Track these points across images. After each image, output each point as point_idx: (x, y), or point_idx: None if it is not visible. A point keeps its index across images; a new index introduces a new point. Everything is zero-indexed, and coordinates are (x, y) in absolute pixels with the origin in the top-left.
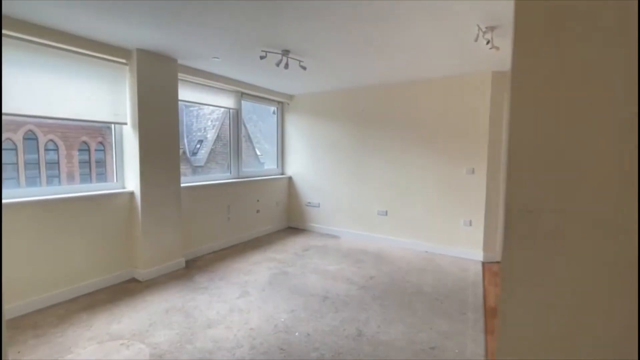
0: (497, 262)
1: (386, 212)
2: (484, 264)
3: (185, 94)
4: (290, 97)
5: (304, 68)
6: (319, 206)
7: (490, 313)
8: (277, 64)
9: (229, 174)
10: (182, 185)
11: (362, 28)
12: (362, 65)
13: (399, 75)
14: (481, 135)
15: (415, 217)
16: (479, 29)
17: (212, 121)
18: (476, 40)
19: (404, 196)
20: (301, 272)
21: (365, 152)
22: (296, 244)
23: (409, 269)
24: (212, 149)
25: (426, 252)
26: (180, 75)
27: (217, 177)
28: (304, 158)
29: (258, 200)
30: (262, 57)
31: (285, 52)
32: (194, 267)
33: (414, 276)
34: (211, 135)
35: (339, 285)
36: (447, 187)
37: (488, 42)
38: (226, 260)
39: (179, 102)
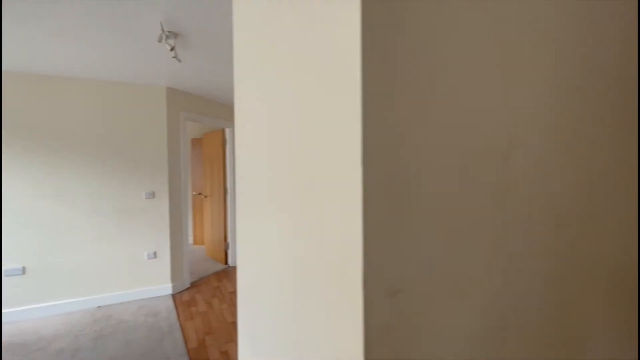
0: (187, 289)
1: (23, 269)
2: (174, 296)
3: None
4: None
5: None
6: None
7: (195, 357)
8: None
9: None
10: None
11: None
12: None
13: (51, 64)
14: (160, 156)
15: (82, 263)
16: (162, 29)
17: None
18: (160, 41)
19: (62, 239)
20: None
21: None
22: None
23: (76, 347)
24: None
25: (99, 307)
26: None
27: None
28: None
29: None
30: None
31: None
32: None
33: (85, 357)
34: None
35: None
36: (125, 216)
37: (172, 49)
38: None
39: None
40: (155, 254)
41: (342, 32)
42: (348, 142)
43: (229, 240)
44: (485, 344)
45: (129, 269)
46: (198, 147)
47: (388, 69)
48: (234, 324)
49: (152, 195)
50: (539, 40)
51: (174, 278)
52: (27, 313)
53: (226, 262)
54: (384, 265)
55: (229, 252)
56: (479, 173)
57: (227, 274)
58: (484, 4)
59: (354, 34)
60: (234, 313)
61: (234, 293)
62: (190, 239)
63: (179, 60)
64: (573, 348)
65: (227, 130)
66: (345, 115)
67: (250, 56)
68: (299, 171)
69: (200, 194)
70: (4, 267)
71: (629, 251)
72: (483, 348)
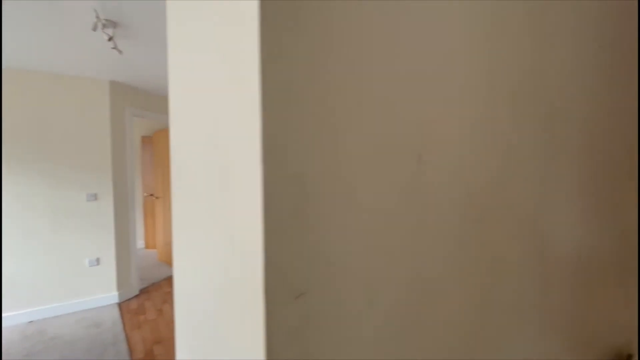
0: (136, 296)
1: None
2: (120, 304)
3: None
4: None
5: None
6: None
7: None
8: None
9: None
10: None
11: None
12: None
13: None
14: (103, 154)
15: (9, 274)
16: (97, 16)
17: None
18: (94, 29)
19: None
20: None
21: None
22: None
23: None
24: None
25: (31, 322)
26: None
27: None
28: None
29: None
30: None
31: None
32: None
33: None
34: None
35: None
36: (63, 220)
37: (110, 39)
38: None
39: None
40: (98, 260)
41: (242, 33)
42: (248, 142)
43: None
44: (401, 343)
45: (67, 278)
46: (149, 145)
47: (288, 68)
48: None
49: (94, 197)
50: (453, 41)
51: (120, 285)
52: None
53: None
54: (288, 267)
55: None
56: (392, 172)
57: None
58: (394, 4)
59: (252, 35)
60: None
61: None
62: (141, 243)
63: (120, 52)
64: (491, 345)
65: None
66: (246, 116)
67: (176, 55)
68: (211, 172)
69: (151, 195)
70: None
71: (548, 246)
72: (398, 347)
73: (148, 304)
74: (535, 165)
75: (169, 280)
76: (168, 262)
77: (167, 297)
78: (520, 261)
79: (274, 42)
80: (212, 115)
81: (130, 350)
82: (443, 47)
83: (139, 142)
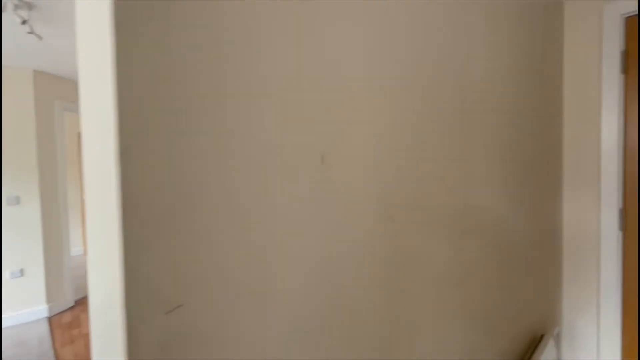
0: (70, 308)
1: None
2: (50, 319)
3: None
4: None
5: None
6: None
7: None
8: None
9: None
10: None
11: None
12: None
13: None
14: (27, 153)
15: None
16: None
17: None
18: (3, 10)
19: None
20: None
21: None
22: None
23: None
24: None
25: None
26: None
27: None
28: None
29: None
30: None
31: None
32: None
33: None
34: None
35: None
36: None
37: (24, 22)
38: None
39: None
40: (22, 271)
41: (102, 34)
42: (107, 143)
43: None
44: (308, 347)
45: None
46: None
47: (156, 64)
48: None
49: (15, 200)
50: (360, 41)
51: (50, 297)
52: None
53: None
54: (159, 278)
55: None
56: (291, 172)
57: None
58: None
59: (107, 37)
60: None
61: None
62: (79, 250)
63: (39, 37)
64: (409, 341)
65: None
66: (104, 112)
67: (80, 46)
68: (95, 175)
69: None
70: None
71: (465, 240)
72: (305, 351)
73: (84, 316)
74: (452, 162)
75: None
76: None
77: None
78: (437, 256)
79: (132, 39)
80: (90, 114)
81: None
82: (348, 48)
83: (77, 140)
